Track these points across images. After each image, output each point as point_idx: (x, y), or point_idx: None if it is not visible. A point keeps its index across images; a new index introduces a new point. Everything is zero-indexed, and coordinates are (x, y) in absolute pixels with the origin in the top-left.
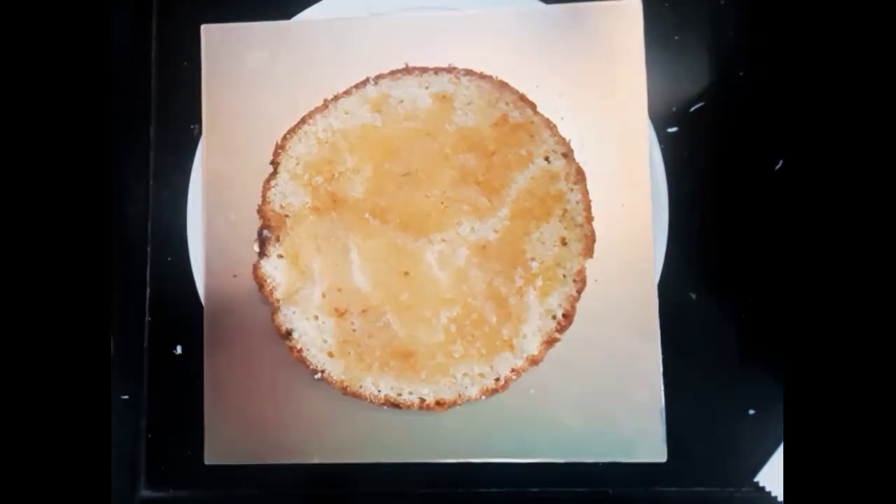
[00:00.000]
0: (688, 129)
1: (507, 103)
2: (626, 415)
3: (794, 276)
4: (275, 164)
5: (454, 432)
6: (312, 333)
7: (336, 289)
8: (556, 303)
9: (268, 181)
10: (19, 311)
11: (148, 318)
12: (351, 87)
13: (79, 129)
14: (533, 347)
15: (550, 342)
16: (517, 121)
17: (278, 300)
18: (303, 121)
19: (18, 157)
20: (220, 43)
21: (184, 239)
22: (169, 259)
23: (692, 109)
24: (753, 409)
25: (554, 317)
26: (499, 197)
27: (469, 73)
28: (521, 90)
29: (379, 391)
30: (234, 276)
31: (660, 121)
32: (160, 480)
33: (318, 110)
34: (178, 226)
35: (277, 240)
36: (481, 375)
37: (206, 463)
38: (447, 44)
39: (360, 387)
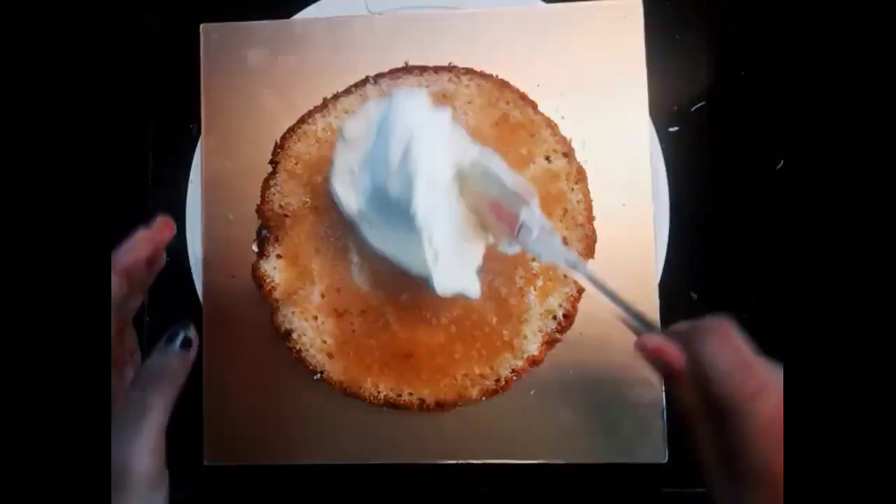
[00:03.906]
0: (689, 128)
1: (507, 102)
2: (626, 416)
3: (796, 277)
4: (274, 163)
5: (454, 433)
6: (312, 334)
7: (335, 289)
8: (557, 303)
9: (267, 181)
10: (17, 312)
11: (147, 319)
12: (350, 87)
13: (76, 129)
14: (533, 348)
15: (551, 343)
16: (518, 120)
17: (277, 300)
18: (302, 120)
19: (15, 157)
20: (218, 42)
21: (182, 239)
22: (167, 259)
23: (693, 109)
24: None
25: (555, 317)
26: None
27: (469, 72)
28: (521, 89)
29: (379, 392)
30: (233, 277)
31: (661, 120)
32: None
33: (317, 109)
34: (177, 226)
35: (276, 240)
36: (482, 376)
37: (206, 463)
38: (447, 42)
39: (360, 388)
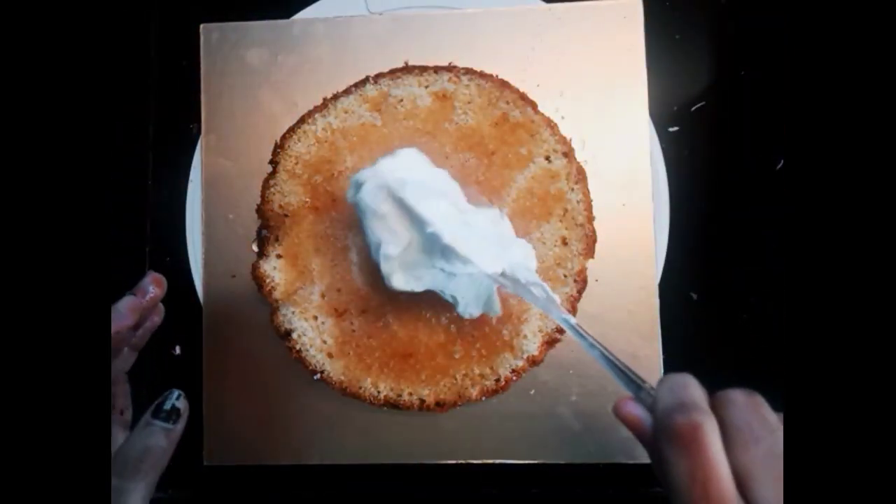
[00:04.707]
0: (689, 128)
1: (507, 102)
2: None
3: (796, 277)
4: (274, 163)
5: (454, 433)
6: (312, 334)
7: (335, 289)
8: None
9: (267, 181)
10: (17, 312)
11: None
12: (350, 86)
13: (76, 128)
14: (533, 348)
15: (551, 342)
16: (518, 120)
17: (277, 300)
18: (302, 120)
19: (15, 157)
20: (218, 42)
21: (182, 239)
22: (167, 259)
23: (693, 109)
24: None
25: None
26: (499, 196)
27: (469, 71)
28: (521, 89)
29: (379, 392)
30: (233, 277)
31: (661, 120)
32: (159, 481)
33: (317, 109)
34: (177, 226)
35: (276, 239)
36: (482, 376)
37: (206, 464)
38: (447, 42)
39: (360, 387)
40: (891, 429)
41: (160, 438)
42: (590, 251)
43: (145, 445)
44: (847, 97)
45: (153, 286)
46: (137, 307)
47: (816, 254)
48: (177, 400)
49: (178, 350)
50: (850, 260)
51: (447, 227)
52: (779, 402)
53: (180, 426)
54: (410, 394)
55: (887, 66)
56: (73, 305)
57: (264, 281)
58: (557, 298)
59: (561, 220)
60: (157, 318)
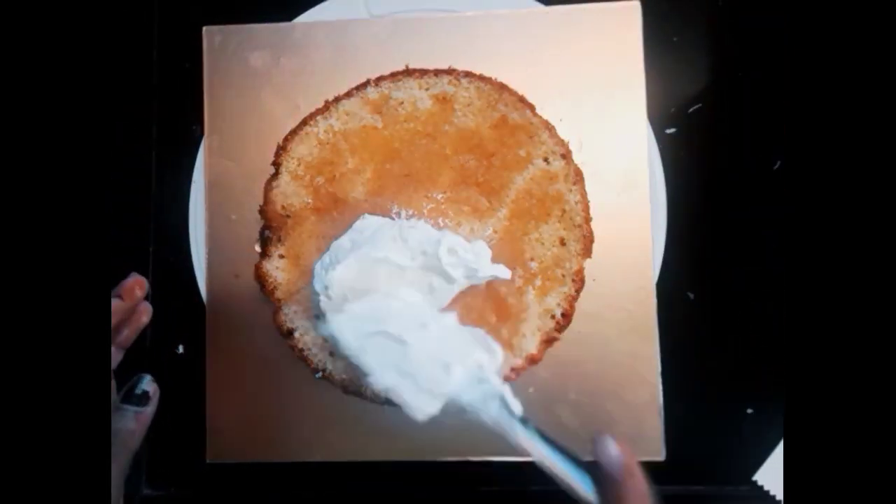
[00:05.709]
0: (686, 129)
1: (506, 105)
2: (624, 414)
3: (793, 276)
4: (276, 165)
5: (455, 431)
6: (314, 333)
7: None
8: (555, 302)
9: (269, 182)
10: (18, 311)
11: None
12: (351, 89)
13: (80, 130)
14: (532, 347)
15: (549, 342)
16: (516, 122)
17: (280, 300)
18: (304, 122)
19: (19, 158)
20: (221, 44)
21: (185, 239)
22: (171, 259)
23: (691, 110)
24: (752, 408)
25: (553, 316)
26: (498, 198)
27: (469, 74)
28: (520, 92)
29: None
30: (236, 276)
31: (658, 122)
32: (161, 479)
33: (318, 112)
34: (180, 226)
35: (279, 240)
36: None
37: (208, 462)
38: (447, 45)
39: (361, 386)
40: (891, 428)
41: (129, 421)
42: (587, 251)
43: (113, 429)
44: (845, 97)
45: (134, 289)
46: (118, 310)
47: (815, 254)
48: (147, 384)
49: (181, 349)
50: (850, 260)
51: (382, 367)
52: (779, 403)
53: (150, 409)
54: None
55: (886, 65)
56: (76, 304)
57: (267, 280)
58: (519, 407)
59: (559, 221)
60: (144, 318)
